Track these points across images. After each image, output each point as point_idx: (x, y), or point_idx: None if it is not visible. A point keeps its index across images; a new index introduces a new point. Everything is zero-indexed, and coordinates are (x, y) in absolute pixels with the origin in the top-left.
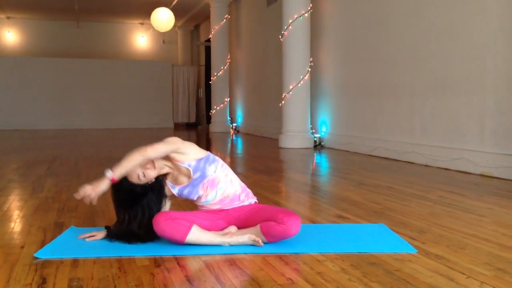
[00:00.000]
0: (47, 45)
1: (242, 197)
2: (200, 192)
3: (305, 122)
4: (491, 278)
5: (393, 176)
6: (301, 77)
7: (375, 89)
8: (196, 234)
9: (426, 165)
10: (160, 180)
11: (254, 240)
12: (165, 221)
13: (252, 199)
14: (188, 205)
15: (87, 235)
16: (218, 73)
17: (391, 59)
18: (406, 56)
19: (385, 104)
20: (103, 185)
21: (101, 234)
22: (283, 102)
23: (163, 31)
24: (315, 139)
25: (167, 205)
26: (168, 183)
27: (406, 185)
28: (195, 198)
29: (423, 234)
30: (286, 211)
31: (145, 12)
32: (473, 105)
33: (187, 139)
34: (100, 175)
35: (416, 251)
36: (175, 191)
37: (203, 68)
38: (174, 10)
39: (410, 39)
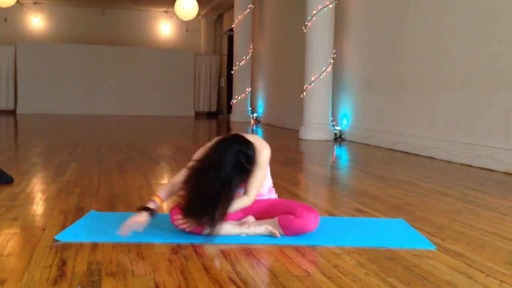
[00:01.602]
0: (72, 31)
1: (265, 191)
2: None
3: (326, 114)
4: (511, 277)
5: (414, 171)
6: (324, 68)
7: (398, 83)
8: None
9: (448, 161)
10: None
11: (271, 232)
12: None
13: (273, 195)
14: None
15: (127, 227)
16: (240, 63)
17: (415, 53)
18: (431, 50)
19: (408, 98)
20: None
21: (141, 218)
22: (304, 93)
23: (187, 19)
24: (335, 131)
25: None
26: None
27: (427, 180)
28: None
29: (442, 230)
30: (306, 206)
31: (169, 0)
32: (499, 101)
33: (208, 128)
34: (121, 161)
35: (435, 247)
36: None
37: (225, 58)
38: None
39: (435, 33)
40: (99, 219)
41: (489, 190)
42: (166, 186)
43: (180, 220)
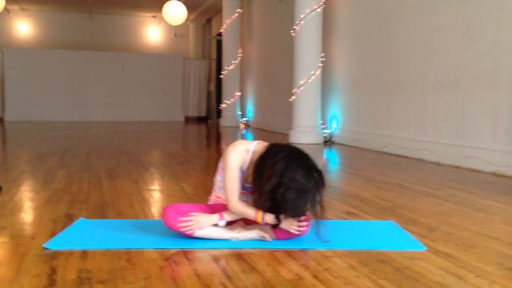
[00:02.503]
0: (60, 37)
1: None
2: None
3: (316, 118)
4: (501, 277)
5: (403, 173)
6: (312, 72)
7: (387, 85)
8: (205, 229)
9: (437, 163)
10: None
11: (262, 236)
12: (174, 215)
13: None
14: (190, 200)
15: (186, 224)
16: (229, 67)
17: (404, 55)
18: (419, 52)
19: (397, 100)
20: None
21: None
22: (293, 97)
23: (175, 24)
24: (325, 134)
25: None
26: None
27: (416, 182)
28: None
29: (432, 232)
30: None
31: (157, 5)
32: (486, 103)
33: (198, 132)
34: (110, 168)
35: (426, 249)
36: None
37: (214, 62)
38: (186, 3)
39: (423, 35)
40: (89, 227)
41: (477, 191)
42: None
43: (184, 223)
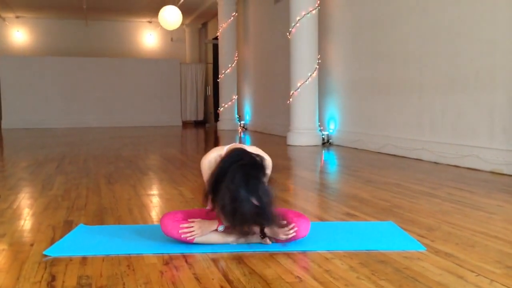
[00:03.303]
0: (56, 44)
1: None
2: None
3: (313, 120)
4: (501, 276)
5: (401, 173)
6: (309, 74)
7: (384, 86)
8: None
9: (435, 162)
10: None
11: (262, 239)
12: (172, 223)
13: None
14: (189, 204)
15: (185, 229)
16: (226, 71)
17: (400, 56)
18: (415, 53)
19: (393, 101)
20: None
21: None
22: (291, 99)
23: (171, 29)
24: (323, 136)
25: None
26: None
27: (415, 182)
28: None
29: (432, 231)
30: (296, 212)
31: (152, 10)
32: (483, 102)
33: (196, 137)
34: (109, 173)
35: (425, 249)
36: None
37: (211, 66)
38: (182, 8)
39: (418, 36)
40: (88, 233)
41: (476, 189)
42: None
43: (186, 229)
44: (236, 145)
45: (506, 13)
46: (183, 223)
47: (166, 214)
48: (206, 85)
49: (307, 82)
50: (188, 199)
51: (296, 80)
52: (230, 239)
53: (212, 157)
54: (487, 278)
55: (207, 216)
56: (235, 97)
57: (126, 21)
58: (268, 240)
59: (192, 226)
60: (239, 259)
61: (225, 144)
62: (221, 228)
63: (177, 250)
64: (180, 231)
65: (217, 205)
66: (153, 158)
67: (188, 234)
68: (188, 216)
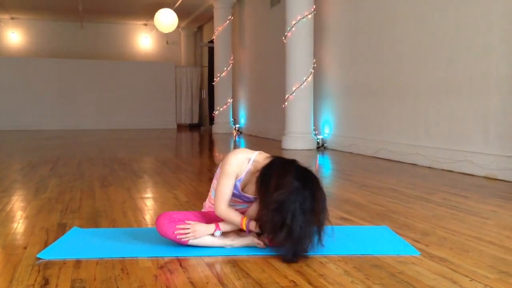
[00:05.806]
0: (51, 46)
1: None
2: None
3: (308, 124)
4: (495, 281)
5: (396, 178)
6: (304, 78)
7: (379, 91)
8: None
9: (430, 167)
10: None
11: (257, 243)
12: (168, 223)
13: None
14: (184, 207)
15: (182, 227)
16: (221, 74)
17: (395, 61)
18: (410, 58)
19: (388, 106)
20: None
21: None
22: (286, 103)
23: (167, 32)
24: (318, 140)
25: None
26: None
27: (409, 187)
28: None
29: (426, 236)
30: None
31: (148, 13)
32: (477, 107)
33: (190, 140)
34: (103, 176)
35: (420, 253)
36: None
37: (206, 69)
38: (178, 11)
39: (414, 41)
40: (82, 236)
41: (470, 195)
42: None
43: (181, 230)
44: (277, 158)
45: (500, 20)
46: (179, 224)
47: (163, 213)
48: (201, 88)
49: (302, 86)
50: (183, 202)
51: (291, 84)
52: (224, 242)
53: (241, 158)
54: (481, 283)
55: (203, 219)
56: (230, 100)
57: (121, 23)
58: (262, 244)
59: (188, 228)
60: (233, 263)
61: (220, 147)
62: (217, 233)
63: (171, 253)
64: (175, 232)
65: (268, 231)
66: (148, 161)
67: (183, 236)
68: (186, 217)
